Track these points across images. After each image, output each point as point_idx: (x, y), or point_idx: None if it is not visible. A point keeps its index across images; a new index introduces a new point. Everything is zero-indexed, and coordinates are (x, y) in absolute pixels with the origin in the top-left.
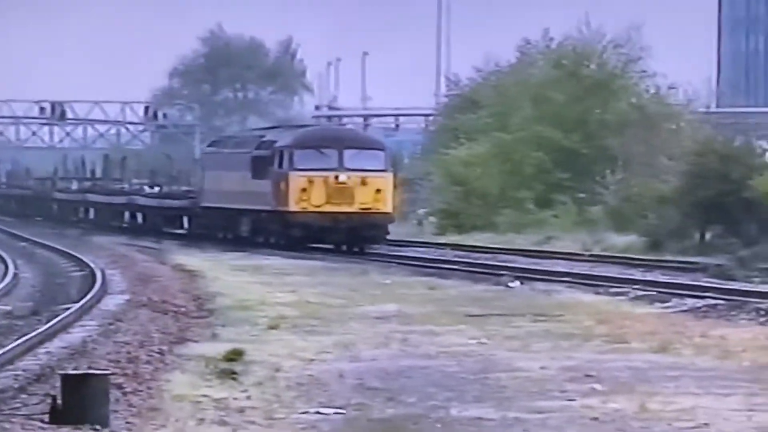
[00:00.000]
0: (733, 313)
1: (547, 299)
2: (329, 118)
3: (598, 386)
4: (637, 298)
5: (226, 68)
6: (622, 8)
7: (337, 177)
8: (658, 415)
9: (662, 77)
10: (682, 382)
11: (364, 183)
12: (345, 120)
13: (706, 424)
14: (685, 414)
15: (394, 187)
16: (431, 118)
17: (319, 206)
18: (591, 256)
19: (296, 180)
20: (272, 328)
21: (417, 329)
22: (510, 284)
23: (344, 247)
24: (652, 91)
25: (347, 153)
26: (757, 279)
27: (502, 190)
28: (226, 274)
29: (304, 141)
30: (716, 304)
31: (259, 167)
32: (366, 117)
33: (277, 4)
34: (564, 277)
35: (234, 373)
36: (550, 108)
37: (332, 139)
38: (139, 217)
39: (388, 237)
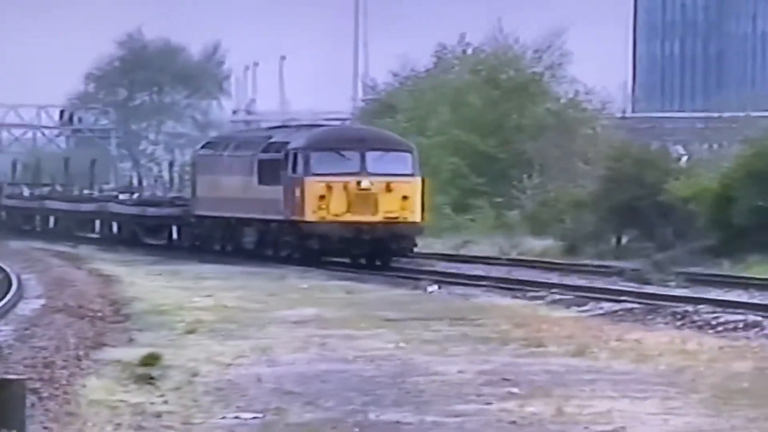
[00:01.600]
0: (649, 317)
1: (465, 303)
2: (246, 122)
3: (515, 390)
4: (554, 302)
5: (142, 72)
6: (541, 14)
7: (359, 183)
8: (575, 419)
9: (579, 82)
10: (598, 386)
11: (389, 189)
12: (262, 124)
13: (622, 427)
14: (601, 417)
15: (422, 193)
16: (349, 122)
17: (338, 215)
18: (508, 260)
19: (313, 186)
20: (189, 332)
21: (335, 333)
22: (428, 288)
23: (363, 261)
24: (570, 95)
25: (370, 155)
26: (672, 283)
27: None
28: (143, 278)
29: (322, 142)
30: (632, 308)
31: (268, 172)
32: (284, 121)
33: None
34: (482, 281)
35: (151, 377)
36: (467, 112)
37: (353, 140)
38: (114, 227)
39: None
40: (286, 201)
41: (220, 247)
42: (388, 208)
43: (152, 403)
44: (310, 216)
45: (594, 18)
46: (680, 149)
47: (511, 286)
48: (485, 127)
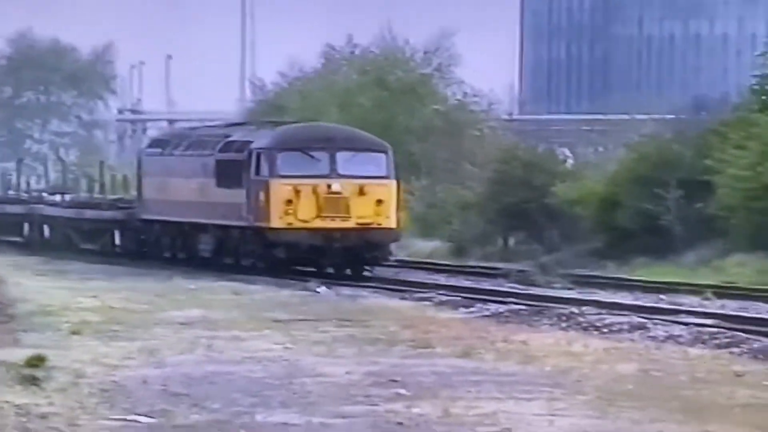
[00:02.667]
0: (535, 318)
1: (353, 304)
2: (132, 122)
3: (402, 391)
4: (441, 303)
5: (29, 71)
6: (430, 16)
7: (329, 186)
8: (461, 420)
9: (467, 84)
10: (484, 387)
11: (362, 192)
12: (149, 124)
13: (508, 428)
14: (487, 418)
15: (398, 196)
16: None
17: (307, 221)
18: (396, 261)
19: (280, 189)
20: (75, 333)
21: (222, 335)
22: (316, 289)
23: (331, 270)
24: (457, 97)
25: (341, 156)
26: (558, 285)
27: None
28: (28, 278)
29: (289, 142)
30: (519, 310)
31: (227, 173)
32: (170, 121)
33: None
34: (369, 283)
35: (36, 379)
36: (356, 113)
37: (322, 140)
38: (46, 230)
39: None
40: (249, 205)
41: (171, 255)
42: (361, 213)
43: (37, 405)
44: (276, 222)
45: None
46: (566, 152)
47: (399, 288)
48: (374, 128)
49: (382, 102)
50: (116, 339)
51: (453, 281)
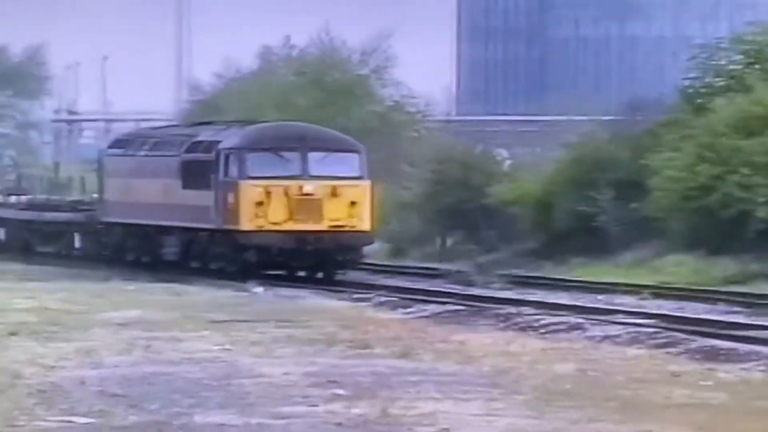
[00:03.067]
0: (473, 318)
1: (292, 305)
2: (69, 122)
3: (341, 392)
4: (380, 303)
5: None
6: (368, 17)
7: (301, 187)
8: (400, 420)
9: (404, 85)
10: (423, 387)
11: (334, 194)
12: (85, 125)
13: (446, 429)
14: (426, 419)
15: (372, 198)
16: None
17: (278, 224)
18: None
19: (250, 191)
20: (12, 334)
21: (160, 335)
22: (254, 290)
23: (302, 273)
24: (395, 98)
25: (313, 156)
26: (496, 285)
27: None
28: None
29: (258, 141)
30: (457, 310)
31: (194, 175)
32: (106, 122)
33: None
34: (308, 283)
35: None
36: (294, 114)
37: (293, 139)
38: (1, 233)
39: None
40: (217, 208)
41: (134, 258)
42: (333, 215)
43: None
44: (246, 224)
45: (420, 22)
46: (503, 152)
47: (337, 288)
48: None
49: (319, 103)
50: (54, 340)
51: (391, 282)
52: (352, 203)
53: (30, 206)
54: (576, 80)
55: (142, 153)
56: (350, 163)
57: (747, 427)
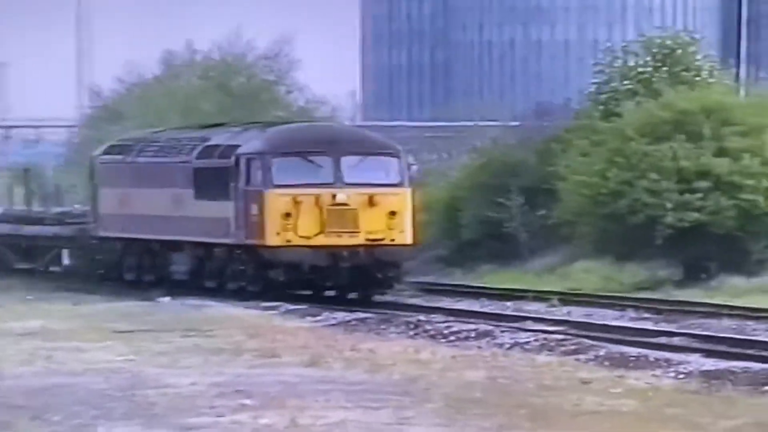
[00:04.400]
0: (382, 326)
1: (198, 314)
2: None
3: (248, 401)
4: (287, 312)
5: None
6: (270, 21)
7: (334, 196)
8: (309, 430)
9: (309, 90)
10: (332, 396)
11: (372, 203)
12: None
13: None
14: (335, 428)
15: (414, 207)
16: (75, 129)
17: (308, 238)
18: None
19: (276, 201)
20: None
21: (63, 346)
22: (159, 299)
23: (332, 293)
24: (300, 103)
25: (347, 161)
26: (406, 293)
27: None
28: None
29: (285, 145)
30: (366, 318)
31: (209, 183)
32: (6, 128)
33: None
34: (215, 292)
35: None
36: (199, 119)
37: (324, 141)
38: None
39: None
40: (238, 220)
41: (134, 277)
42: (371, 227)
43: None
44: (272, 239)
45: (323, 26)
46: (410, 159)
47: (244, 297)
48: None
49: (225, 108)
50: None
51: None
52: (392, 213)
53: (9, 219)
54: (481, 85)
55: (144, 159)
56: (389, 168)
57: None
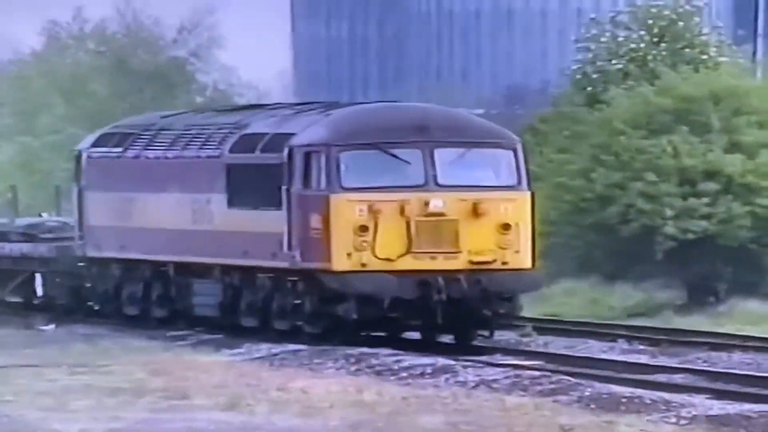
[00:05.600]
0: (317, 360)
1: (89, 346)
2: None
3: None
4: (200, 342)
5: None
6: None
7: (426, 203)
8: None
9: (231, 70)
10: None
11: (477, 213)
12: None
13: None
14: None
15: (534, 217)
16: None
17: (391, 260)
18: None
19: (347, 210)
20: None
21: None
22: (42, 327)
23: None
24: (220, 85)
25: (443, 155)
26: None
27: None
28: None
29: (358, 133)
30: (298, 351)
31: (248, 185)
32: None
33: None
34: (111, 319)
35: None
36: (89, 105)
37: (412, 129)
38: None
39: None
40: (291, 236)
41: (139, 311)
42: (476, 245)
43: None
44: (340, 262)
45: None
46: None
47: (148, 326)
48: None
49: (122, 90)
50: None
51: None
52: (505, 226)
53: None
54: (440, 64)
55: (154, 154)
56: (501, 165)
57: None
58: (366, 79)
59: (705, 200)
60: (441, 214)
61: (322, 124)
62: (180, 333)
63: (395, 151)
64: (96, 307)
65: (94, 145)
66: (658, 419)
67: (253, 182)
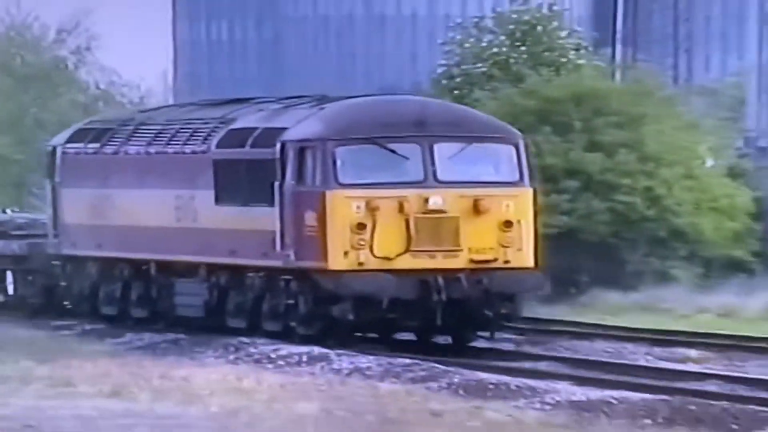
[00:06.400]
0: (198, 349)
1: None
2: None
3: None
4: (84, 332)
5: None
6: None
7: (425, 199)
8: None
9: (113, 70)
10: None
11: (478, 210)
12: None
13: None
14: None
15: (536, 215)
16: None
17: (390, 259)
18: None
19: (343, 206)
20: None
21: None
22: None
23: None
24: (102, 85)
25: (442, 150)
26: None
27: None
28: None
29: (354, 127)
30: (178, 340)
31: (238, 182)
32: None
33: None
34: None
35: None
36: None
37: (411, 123)
38: None
39: None
40: (285, 234)
41: (117, 311)
42: (477, 243)
43: None
44: (337, 261)
45: (132, 2)
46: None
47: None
48: None
49: (6, 91)
50: None
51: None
52: (506, 224)
53: None
54: (317, 65)
55: (134, 149)
56: (502, 160)
57: None
58: (245, 79)
59: (566, 197)
60: (441, 211)
61: (317, 118)
62: (65, 323)
63: (393, 146)
64: (70, 306)
65: (69, 140)
66: (524, 405)
67: (243, 178)
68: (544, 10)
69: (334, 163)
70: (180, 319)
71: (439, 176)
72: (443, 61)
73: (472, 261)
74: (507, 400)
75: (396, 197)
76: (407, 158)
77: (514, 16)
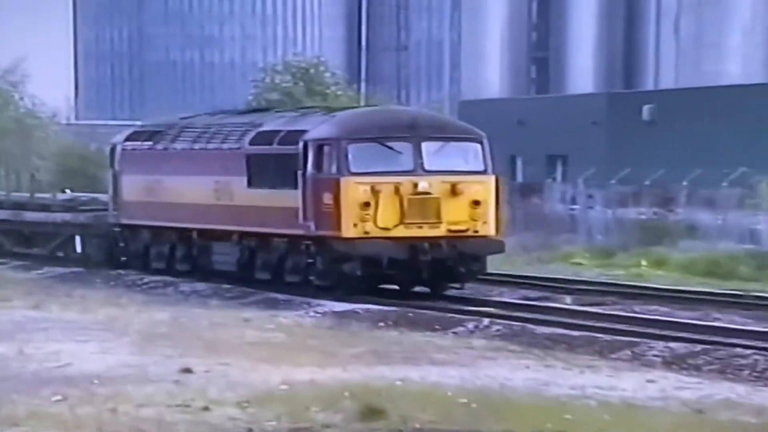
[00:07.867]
0: (91, 278)
1: None
2: None
3: None
4: (17, 266)
5: None
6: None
7: (415, 184)
8: (32, 357)
9: (36, 96)
10: (51, 333)
11: (454, 192)
12: None
13: (69, 363)
14: (53, 356)
15: (498, 196)
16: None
17: (388, 229)
18: None
19: (354, 190)
20: None
21: None
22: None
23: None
24: (28, 106)
25: (427, 147)
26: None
27: None
28: None
29: (361, 130)
30: (77, 272)
31: (266, 170)
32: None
33: None
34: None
35: None
36: None
37: (403, 127)
38: None
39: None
40: (306, 210)
41: (164, 266)
42: (453, 217)
43: None
44: (349, 230)
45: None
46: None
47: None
48: None
49: None
50: None
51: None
52: (475, 203)
53: (9, 205)
54: (168, 97)
55: (180, 146)
56: (472, 155)
57: (303, 360)
58: (122, 103)
59: None
60: (427, 193)
61: (332, 123)
62: (1, 261)
63: (391, 144)
64: (125, 261)
65: (127, 140)
66: (303, 314)
67: (271, 168)
68: (314, 60)
69: (346, 156)
70: (215, 272)
71: (426, 166)
72: (252, 91)
73: (449, 231)
74: (292, 311)
75: (393, 183)
76: (401, 153)
77: (295, 63)
